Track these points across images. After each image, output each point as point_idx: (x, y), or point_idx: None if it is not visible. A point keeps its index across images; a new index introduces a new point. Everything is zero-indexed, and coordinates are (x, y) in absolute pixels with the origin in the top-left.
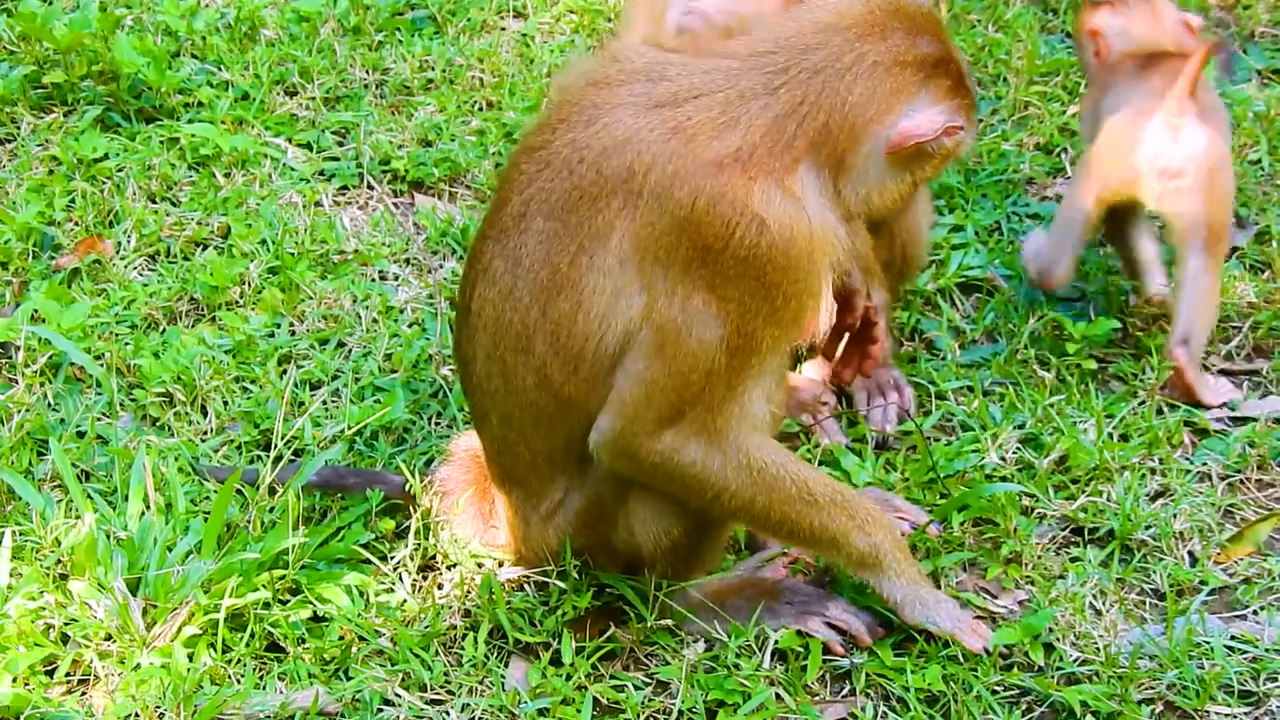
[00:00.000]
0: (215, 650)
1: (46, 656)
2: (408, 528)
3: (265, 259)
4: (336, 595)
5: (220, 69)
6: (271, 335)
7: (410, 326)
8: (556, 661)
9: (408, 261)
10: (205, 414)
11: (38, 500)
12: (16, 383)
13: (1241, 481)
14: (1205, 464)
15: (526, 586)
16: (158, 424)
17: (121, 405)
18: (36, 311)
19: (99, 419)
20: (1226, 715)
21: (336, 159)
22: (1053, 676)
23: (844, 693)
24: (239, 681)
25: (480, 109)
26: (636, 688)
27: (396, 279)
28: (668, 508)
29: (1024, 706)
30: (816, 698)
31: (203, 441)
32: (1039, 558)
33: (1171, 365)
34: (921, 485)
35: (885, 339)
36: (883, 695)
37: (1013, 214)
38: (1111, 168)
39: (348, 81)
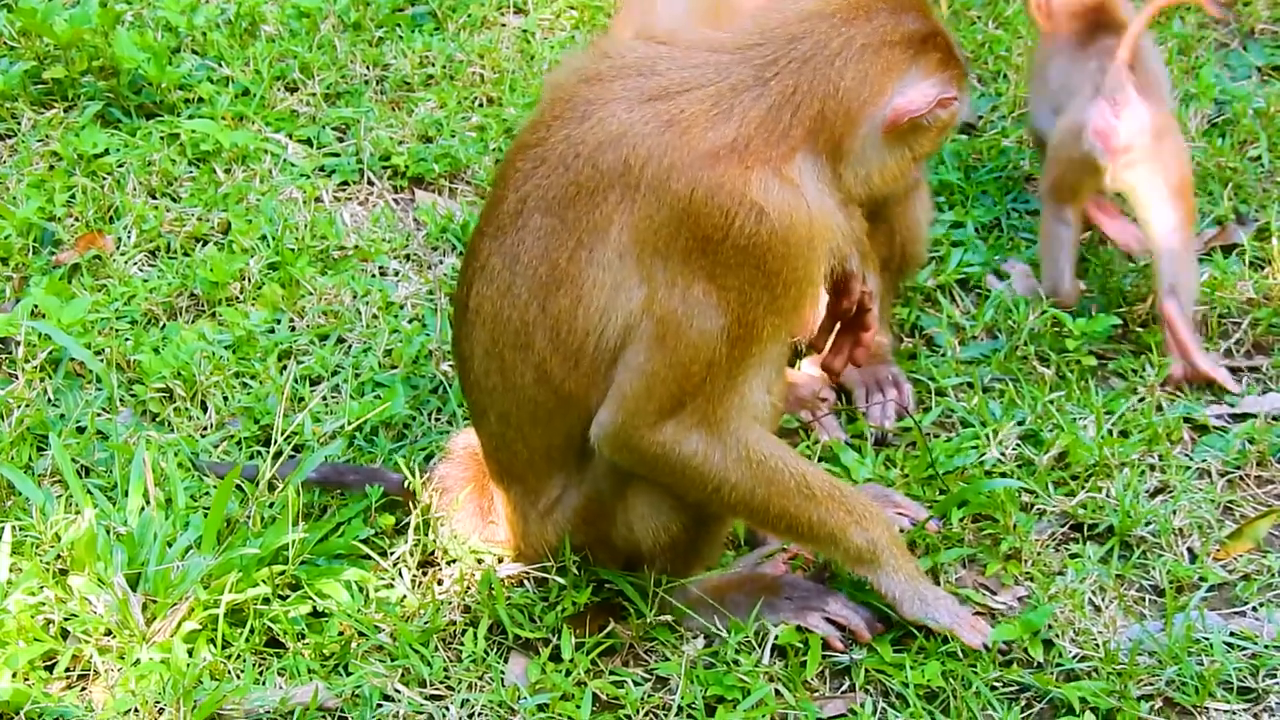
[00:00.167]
0: (215, 645)
1: (46, 652)
2: (407, 524)
3: (265, 255)
4: (336, 591)
5: (221, 65)
6: (271, 331)
7: (410, 322)
8: (556, 657)
9: (408, 257)
10: (205, 409)
11: (38, 495)
12: (16, 378)
13: (1241, 478)
14: (1205, 460)
15: (526, 582)
16: (158, 419)
17: (121, 401)
18: (36, 307)
19: (99, 414)
20: (1225, 712)
21: (337, 155)
22: (1052, 673)
23: (843, 688)
24: (239, 677)
25: (481, 105)
26: (636, 683)
27: (397, 275)
28: (666, 503)
29: (1023, 703)
30: (816, 693)
31: (203, 437)
32: (1038, 554)
33: (1169, 360)
34: (921, 481)
35: (880, 330)
36: (882, 691)
37: (1012, 210)
38: (1067, 161)
39: (348, 77)
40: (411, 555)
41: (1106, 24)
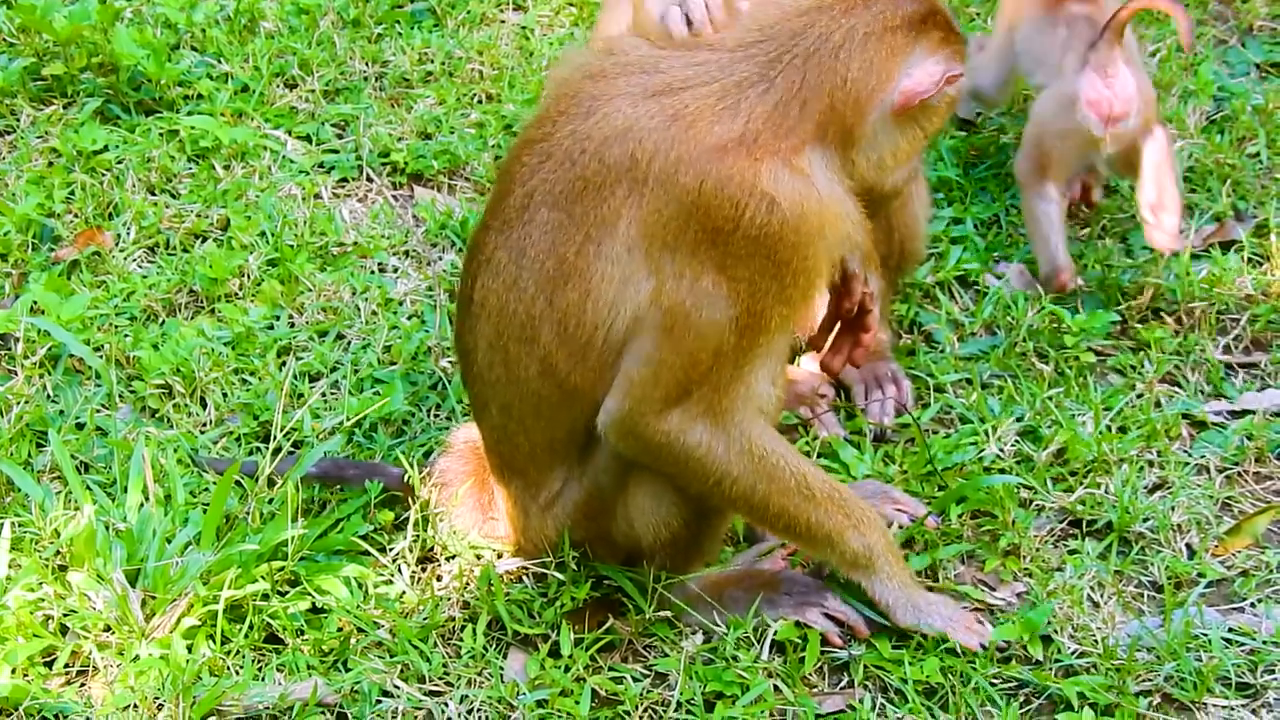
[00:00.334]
0: (214, 642)
1: (45, 648)
2: (407, 519)
3: (265, 251)
4: (335, 587)
5: (220, 61)
6: (271, 327)
7: (409, 319)
8: (555, 653)
9: (407, 254)
10: (204, 406)
11: (37, 491)
12: (16, 374)
13: (1239, 474)
14: (1203, 457)
15: (525, 578)
16: (157, 416)
17: (121, 397)
18: (36, 303)
19: (98, 410)
20: (1224, 707)
21: (336, 151)
22: (1050, 668)
23: (842, 684)
24: (238, 673)
25: (479, 102)
26: (635, 679)
27: (396, 271)
28: (668, 499)
29: (1021, 698)
30: (814, 689)
31: (202, 433)
32: (1037, 550)
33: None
34: (920, 478)
35: (879, 328)
36: (881, 687)
37: (1011, 207)
38: (1056, 135)
39: (347, 74)
40: (411, 551)
41: None
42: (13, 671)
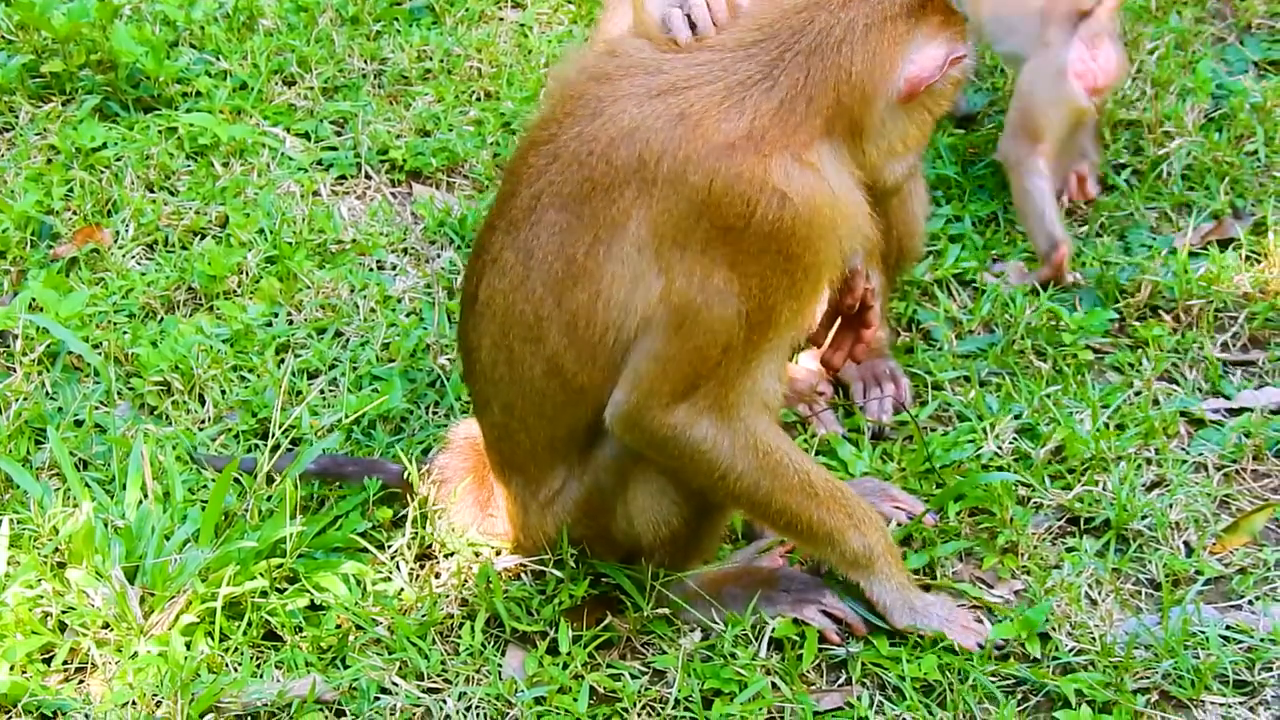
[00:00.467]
0: (212, 639)
1: (44, 644)
2: (405, 516)
3: (263, 248)
4: (334, 584)
5: (218, 59)
6: (269, 324)
7: (408, 316)
8: (553, 650)
9: (405, 251)
10: (203, 403)
11: (35, 488)
12: (14, 371)
13: (1237, 472)
14: (1201, 454)
15: (523, 576)
16: (155, 413)
17: (119, 394)
18: (34, 300)
19: (97, 408)
20: (1221, 705)
21: (334, 149)
22: (1048, 666)
23: (840, 682)
24: (236, 670)
25: (478, 99)
26: (633, 676)
27: (394, 268)
28: (668, 497)
29: (1019, 696)
30: (812, 686)
31: (200, 430)
32: (1035, 547)
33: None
34: (918, 475)
35: (880, 324)
36: (879, 684)
37: (1008, 205)
38: (1044, 103)
39: (346, 71)
40: (409, 548)
41: None
42: (11, 668)
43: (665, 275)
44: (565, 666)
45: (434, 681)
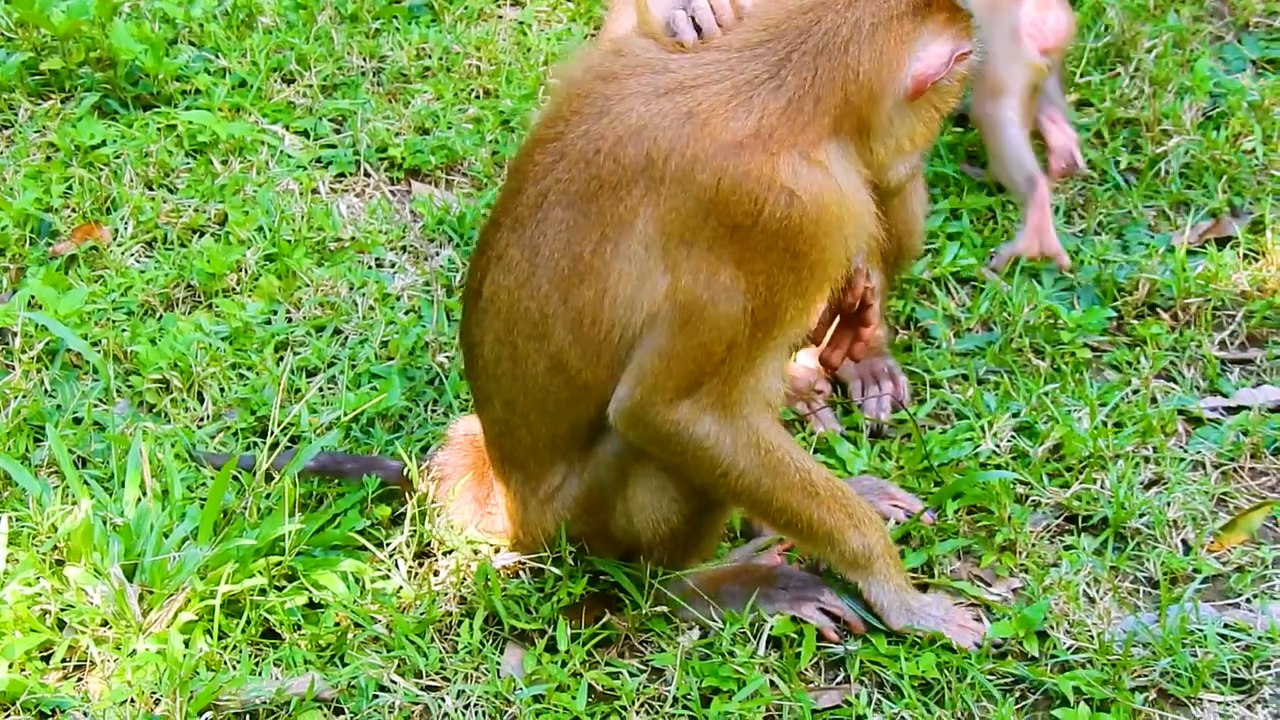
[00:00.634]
0: (211, 636)
1: (43, 642)
2: (404, 514)
3: (262, 246)
4: (332, 582)
5: (218, 56)
6: (268, 322)
7: (406, 314)
8: (552, 648)
9: (404, 249)
10: (202, 401)
11: (34, 486)
12: (13, 369)
13: (1235, 470)
14: (1199, 452)
15: (522, 573)
16: (154, 410)
17: (118, 392)
18: (33, 298)
19: (96, 405)
20: (1219, 703)
21: (333, 146)
22: (1046, 664)
23: (838, 680)
24: (235, 668)
25: (477, 97)
26: (631, 674)
27: (393, 266)
28: (668, 495)
29: (1017, 694)
30: (810, 684)
31: (199, 428)
32: (1033, 546)
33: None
34: (916, 473)
35: (878, 323)
36: (877, 682)
37: (1007, 203)
38: (1008, 62)
39: (345, 69)
40: (408, 546)
41: None
42: (10, 666)
43: (672, 272)
44: (564, 664)
45: (432, 679)
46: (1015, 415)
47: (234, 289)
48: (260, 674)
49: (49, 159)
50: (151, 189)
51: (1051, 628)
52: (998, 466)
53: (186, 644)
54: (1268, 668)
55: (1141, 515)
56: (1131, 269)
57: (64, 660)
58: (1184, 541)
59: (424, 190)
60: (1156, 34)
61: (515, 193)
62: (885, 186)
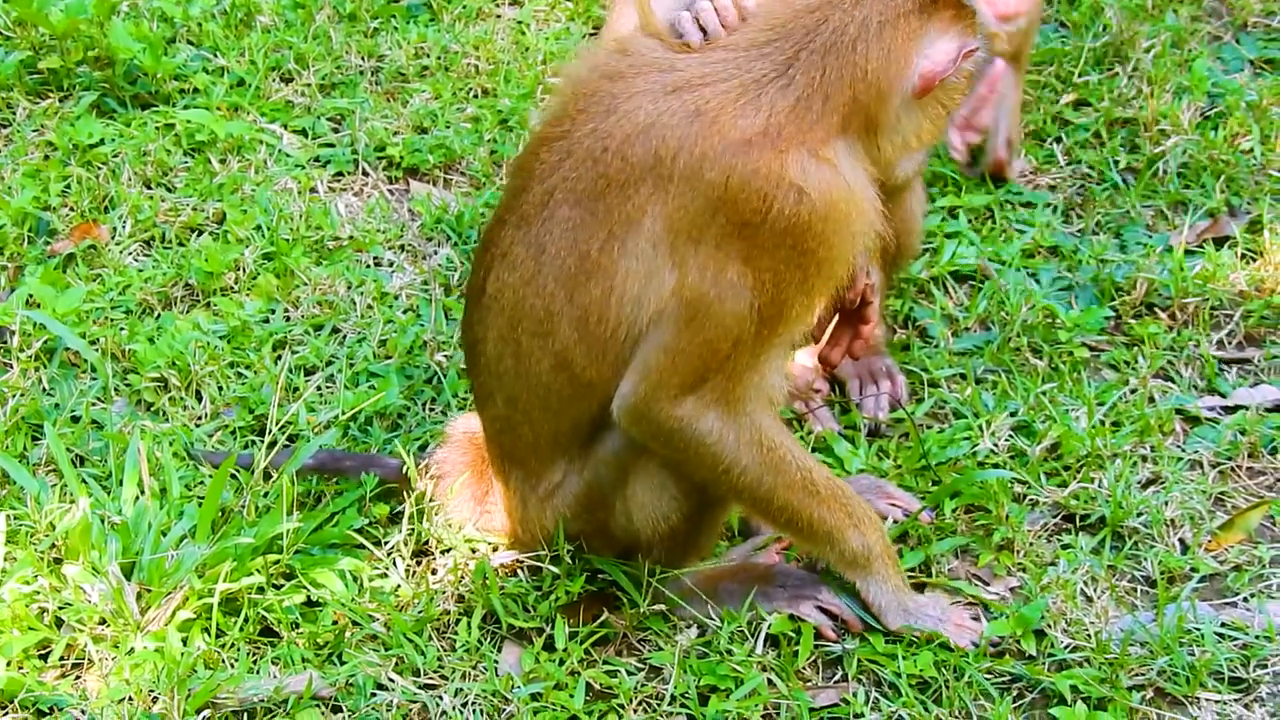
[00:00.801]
0: (209, 635)
1: (40, 640)
2: (402, 512)
3: (260, 245)
4: (330, 580)
5: (216, 55)
6: (266, 321)
7: (405, 312)
8: (549, 647)
9: (402, 248)
10: (200, 399)
11: (32, 484)
12: (11, 367)
13: (1233, 469)
14: (1196, 452)
15: (520, 572)
16: (152, 409)
17: (116, 390)
18: (31, 296)
19: (94, 404)
20: (1216, 702)
21: (332, 145)
22: (1044, 663)
23: (836, 678)
24: (233, 666)
25: (475, 96)
26: (629, 673)
27: (391, 265)
28: (668, 493)
29: (1015, 692)
30: (808, 683)
31: (197, 426)
32: (1031, 545)
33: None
34: (914, 472)
35: (877, 321)
36: (874, 681)
37: (1005, 202)
38: None
39: (343, 68)
40: (406, 545)
41: None
42: (8, 664)
43: (679, 270)
44: (561, 663)
45: (430, 678)
46: (1013, 414)
47: (232, 288)
48: (258, 672)
49: (47, 158)
50: (150, 188)
51: (1049, 626)
52: (995, 465)
53: (184, 642)
54: (1265, 666)
55: (1139, 514)
56: (1129, 268)
57: (62, 658)
58: (1181, 540)
59: (422, 189)
60: (1155, 34)
61: (520, 191)
62: (893, 183)
